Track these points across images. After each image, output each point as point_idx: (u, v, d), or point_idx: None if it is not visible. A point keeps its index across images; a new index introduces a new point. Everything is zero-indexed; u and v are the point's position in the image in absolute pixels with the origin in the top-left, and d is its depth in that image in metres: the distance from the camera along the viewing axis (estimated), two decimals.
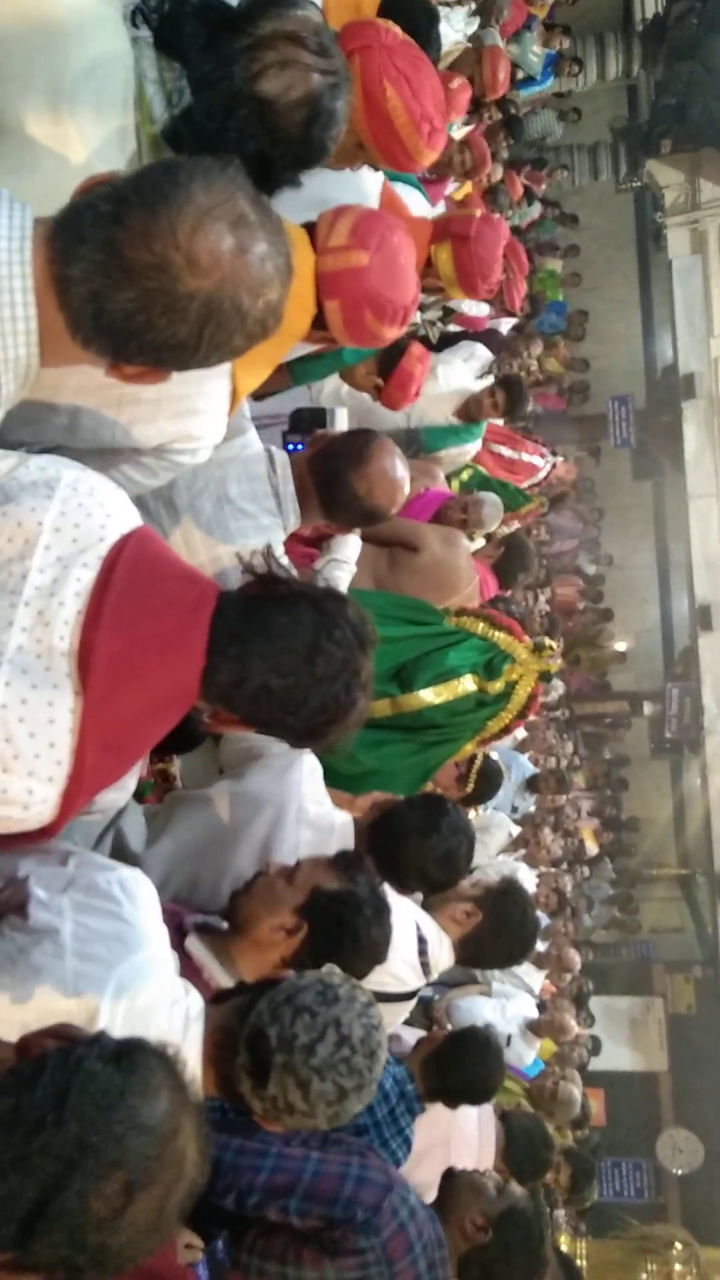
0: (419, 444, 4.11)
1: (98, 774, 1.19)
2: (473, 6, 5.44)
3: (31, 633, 1.14)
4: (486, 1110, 2.77)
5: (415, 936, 2.29)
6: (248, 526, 1.97)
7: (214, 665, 1.22)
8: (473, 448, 4.49)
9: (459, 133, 4.79)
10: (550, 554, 10.91)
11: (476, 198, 4.84)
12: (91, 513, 1.22)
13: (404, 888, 2.14)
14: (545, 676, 2.65)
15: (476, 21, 5.54)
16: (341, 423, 2.78)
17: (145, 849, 1.97)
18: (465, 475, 4.50)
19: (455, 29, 5.02)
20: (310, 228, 1.91)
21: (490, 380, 4.43)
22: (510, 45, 7.06)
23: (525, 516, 5.11)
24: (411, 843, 2.05)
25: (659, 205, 11.46)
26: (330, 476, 2.09)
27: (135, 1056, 0.97)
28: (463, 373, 4.36)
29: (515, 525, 4.90)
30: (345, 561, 2.49)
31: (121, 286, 0.99)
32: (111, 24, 1.39)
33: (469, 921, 2.40)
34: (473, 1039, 2.43)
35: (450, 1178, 2.12)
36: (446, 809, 2.13)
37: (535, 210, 9.47)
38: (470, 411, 4.26)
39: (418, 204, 3.57)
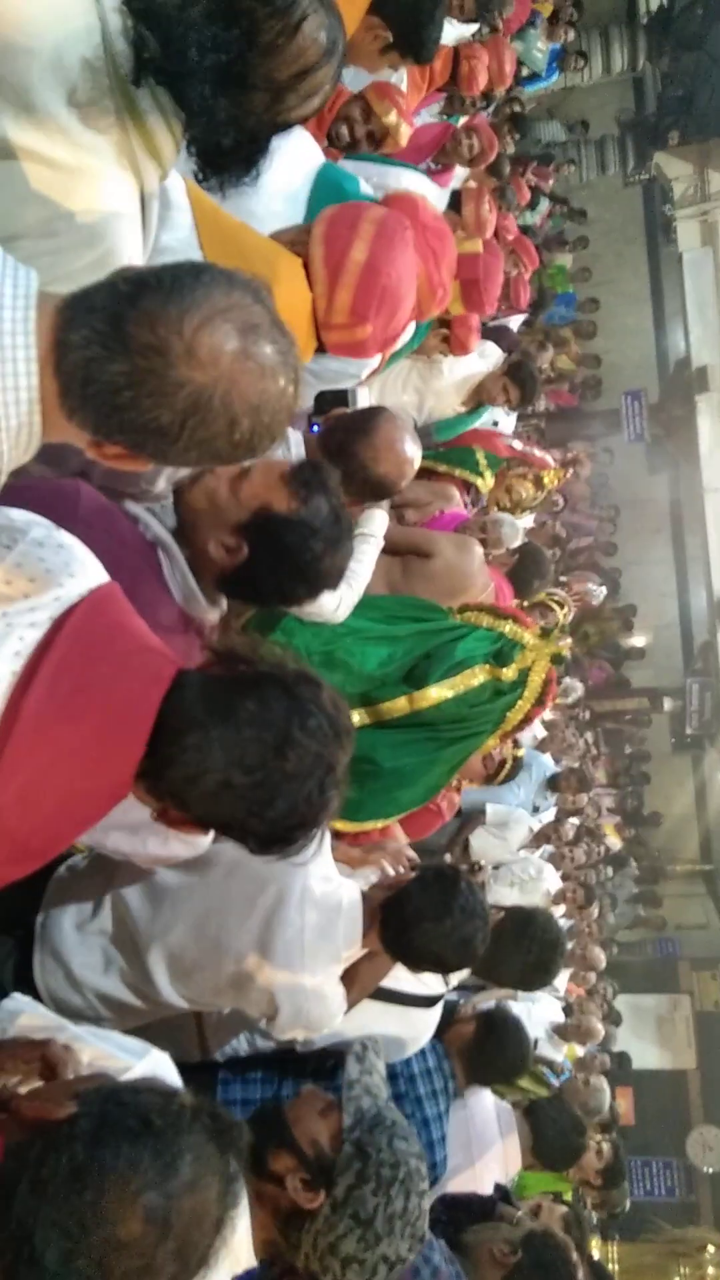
0: (430, 438, 4.12)
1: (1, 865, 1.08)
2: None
3: None
4: (505, 1108, 2.75)
5: None
6: None
7: (167, 756, 1.10)
8: (476, 424, 4.54)
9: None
10: (568, 551, 10.86)
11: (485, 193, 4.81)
12: (52, 569, 1.13)
13: (417, 968, 2.06)
14: (557, 659, 2.64)
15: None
16: (363, 404, 2.81)
17: (140, 905, 1.84)
18: (480, 458, 4.52)
19: (457, 28, 4.99)
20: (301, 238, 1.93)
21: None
22: (514, 42, 7.03)
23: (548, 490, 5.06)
24: (424, 930, 1.94)
25: (668, 197, 11.40)
26: (338, 449, 2.13)
27: (105, 1159, 0.92)
28: (469, 361, 4.35)
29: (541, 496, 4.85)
30: (373, 535, 2.47)
31: (116, 359, 0.98)
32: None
33: (491, 917, 2.40)
34: (503, 1025, 2.52)
35: (476, 1222, 2.15)
36: (458, 888, 1.99)
37: (543, 208, 9.43)
38: (480, 400, 4.27)
39: (428, 193, 3.59)
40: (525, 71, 7.94)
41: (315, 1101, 1.56)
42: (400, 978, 2.19)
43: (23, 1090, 1.07)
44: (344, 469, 2.08)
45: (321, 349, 1.98)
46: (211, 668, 1.19)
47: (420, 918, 1.94)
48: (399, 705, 2.52)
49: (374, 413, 2.25)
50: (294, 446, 2.08)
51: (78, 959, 1.79)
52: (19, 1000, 1.37)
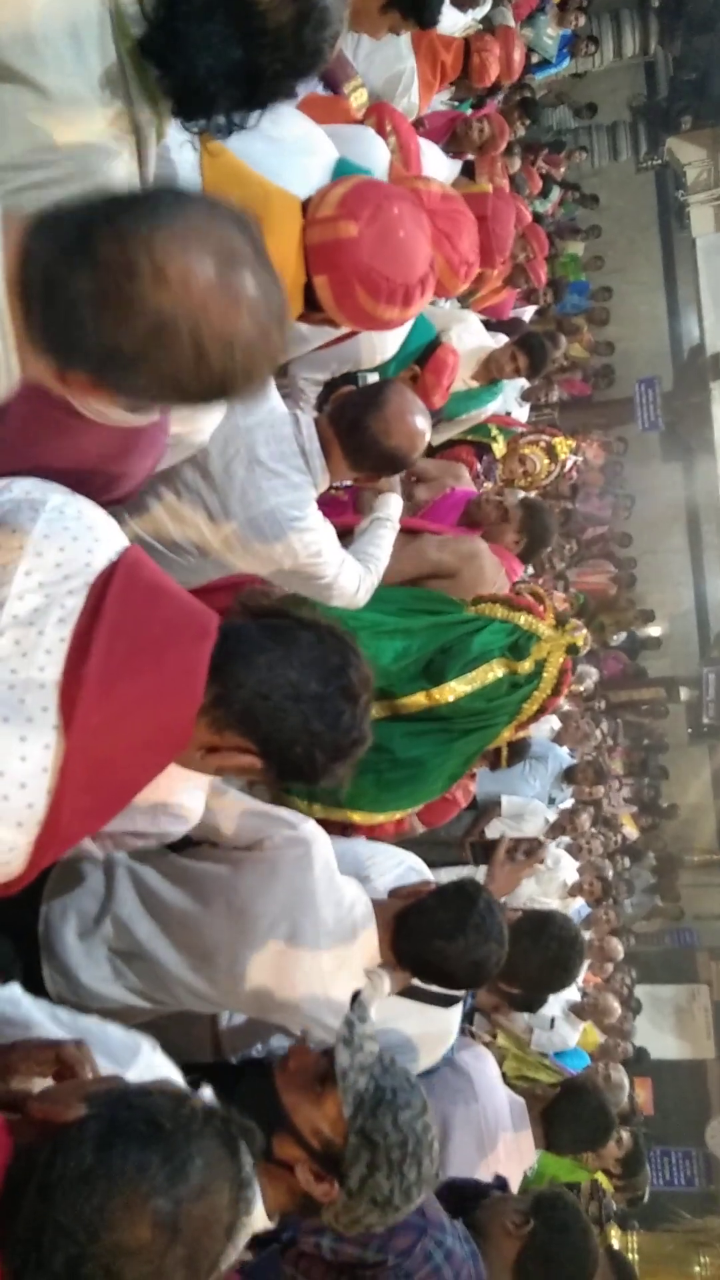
0: (440, 412, 4.09)
1: (76, 820, 1.11)
2: None
3: (6, 663, 1.07)
4: (518, 1102, 2.73)
5: None
6: (280, 485, 1.99)
7: (238, 680, 1.16)
8: (492, 407, 4.51)
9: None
10: (584, 540, 10.81)
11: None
12: (78, 536, 1.16)
13: (426, 982, 2.04)
14: (572, 650, 2.64)
15: (489, 3, 5.46)
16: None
17: (147, 932, 1.80)
18: (493, 429, 4.51)
19: (467, 18, 4.96)
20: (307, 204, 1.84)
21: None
22: (524, 29, 6.98)
23: None
24: (437, 948, 1.90)
25: (681, 183, 11.31)
26: (350, 425, 2.12)
27: (113, 1163, 0.90)
28: (478, 331, 4.34)
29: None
30: (389, 519, 2.47)
31: (80, 274, 0.89)
32: None
33: (509, 918, 2.38)
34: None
35: (472, 1209, 2.11)
36: (475, 908, 1.92)
37: (555, 196, 9.35)
38: (490, 373, 4.25)
39: (437, 160, 3.58)
40: (535, 58, 7.87)
41: (304, 1075, 1.51)
42: None
43: (35, 1090, 1.06)
44: (356, 443, 2.12)
45: (305, 311, 1.86)
46: (253, 620, 1.24)
47: (434, 934, 1.90)
48: (417, 700, 2.53)
49: (383, 386, 2.25)
50: (304, 428, 2.07)
51: (85, 973, 1.76)
52: (13, 990, 1.36)
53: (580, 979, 5.30)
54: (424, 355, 2.93)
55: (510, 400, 5.36)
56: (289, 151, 1.92)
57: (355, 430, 2.11)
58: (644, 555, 12.34)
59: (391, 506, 2.49)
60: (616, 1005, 5.30)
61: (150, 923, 1.77)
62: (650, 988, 9.49)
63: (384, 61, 3.44)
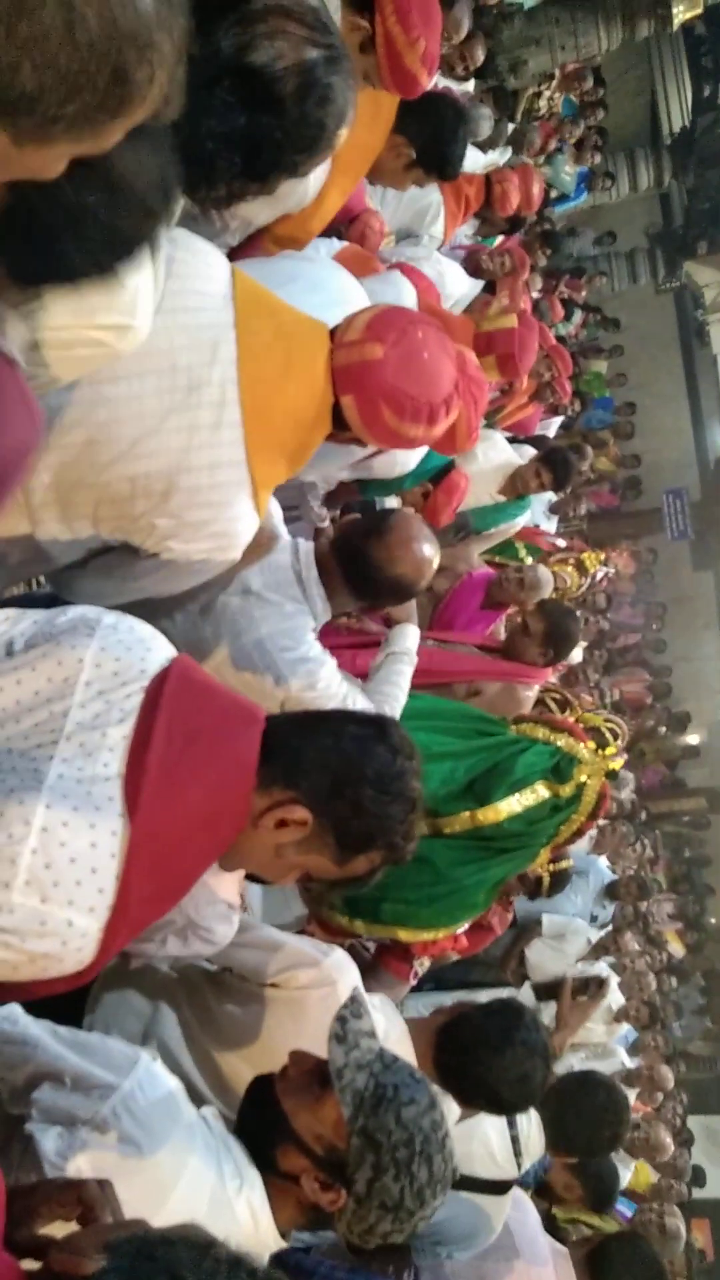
0: (467, 526, 4.14)
1: (141, 906, 1.15)
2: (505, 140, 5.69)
3: (72, 763, 1.14)
4: (560, 1251, 2.56)
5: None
6: (271, 614, 1.95)
7: (278, 741, 1.27)
8: (521, 521, 4.57)
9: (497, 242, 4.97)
10: (614, 649, 10.80)
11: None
12: (131, 647, 1.26)
13: (469, 1105, 1.94)
14: (611, 775, 2.62)
15: (509, 152, 5.78)
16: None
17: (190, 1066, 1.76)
18: (520, 547, 4.57)
19: (488, 157, 5.25)
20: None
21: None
22: (543, 166, 7.36)
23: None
24: (482, 1059, 1.85)
25: (699, 303, 11.70)
26: (352, 553, 2.06)
27: None
28: (504, 448, 4.43)
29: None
30: (406, 653, 2.38)
31: None
32: None
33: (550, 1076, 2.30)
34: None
35: None
36: (522, 1021, 1.90)
37: (576, 319, 9.70)
38: (516, 488, 4.33)
39: (458, 278, 3.73)
40: (555, 193, 8.28)
41: (302, 1079, 1.43)
42: (471, 1157, 2.09)
43: (58, 1234, 1.02)
44: (359, 572, 2.05)
45: (334, 431, 1.87)
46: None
47: (479, 1044, 1.85)
48: (461, 820, 2.51)
49: (388, 513, 2.21)
50: (303, 555, 2.04)
51: None
52: (11, 1007, 1.33)
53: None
54: (438, 475, 2.99)
55: (538, 514, 5.45)
56: (330, 303, 1.99)
57: (358, 558, 2.05)
58: (678, 663, 12.28)
59: (409, 638, 2.40)
60: (669, 1140, 5.03)
61: (190, 1056, 1.75)
62: (704, 1118, 8.98)
63: (411, 196, 3.62)
